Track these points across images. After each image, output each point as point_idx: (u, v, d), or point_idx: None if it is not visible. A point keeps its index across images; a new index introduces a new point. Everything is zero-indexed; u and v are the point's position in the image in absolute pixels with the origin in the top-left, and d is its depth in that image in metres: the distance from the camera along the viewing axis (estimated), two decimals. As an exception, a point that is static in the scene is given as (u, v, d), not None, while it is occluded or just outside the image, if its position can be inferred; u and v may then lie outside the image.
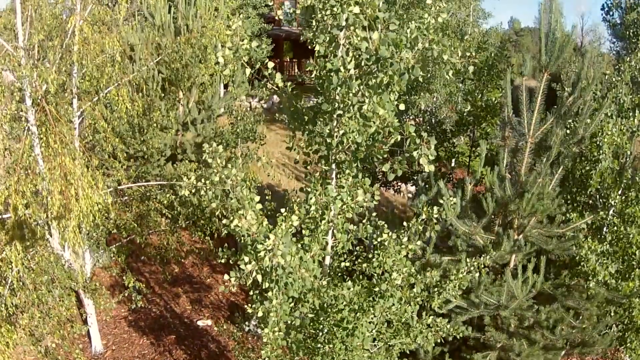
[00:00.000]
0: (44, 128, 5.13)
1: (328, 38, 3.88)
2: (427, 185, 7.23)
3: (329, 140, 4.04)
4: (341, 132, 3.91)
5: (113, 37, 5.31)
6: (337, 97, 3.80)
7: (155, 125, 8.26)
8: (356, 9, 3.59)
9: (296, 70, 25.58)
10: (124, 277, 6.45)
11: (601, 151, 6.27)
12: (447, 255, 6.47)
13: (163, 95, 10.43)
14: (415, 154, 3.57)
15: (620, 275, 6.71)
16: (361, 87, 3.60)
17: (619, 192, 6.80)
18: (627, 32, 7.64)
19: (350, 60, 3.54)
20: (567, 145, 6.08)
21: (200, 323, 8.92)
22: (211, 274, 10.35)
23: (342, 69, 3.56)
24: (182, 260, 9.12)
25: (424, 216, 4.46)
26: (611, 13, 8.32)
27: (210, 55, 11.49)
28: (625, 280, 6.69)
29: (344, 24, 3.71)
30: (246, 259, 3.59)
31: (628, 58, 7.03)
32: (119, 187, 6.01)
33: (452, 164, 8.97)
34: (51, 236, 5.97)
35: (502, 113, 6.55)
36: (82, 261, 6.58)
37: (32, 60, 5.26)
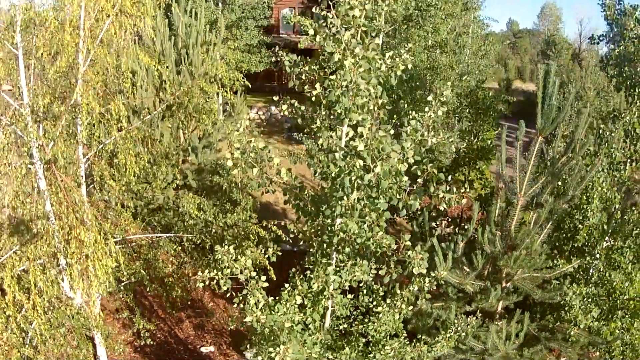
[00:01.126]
0: (54, 188, 5.42)
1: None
2: (422, 227, 7.55)
3: (330, 229, 4.36)
4: (341, 228, 4.23)
5: (118, 102, 5.56)
6: (338, 226, 4.10)
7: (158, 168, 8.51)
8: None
9: (294, 78, 25.74)
10: (134, 319, 6.78)
11: (589, 207, 6.59)
12: (439, 301, 6.83)
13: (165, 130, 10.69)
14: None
15: (603, 319, 7.09)
16: (361, 209, 3.91)
17: (606, 238, 7.14)
18: (625, 83, 7.91)
19: (352, 191, 3.84)
20: (557, 203, 6.40)
21: (203, 350, 9.29)
22: (212, 299, 10.69)
23: (345, 198, 3.86)
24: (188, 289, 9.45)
25: (416, 287, 4.80)
26: (610, 64, 8.57)
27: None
28: (608, 322, 7.07)
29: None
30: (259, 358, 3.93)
31: (623, 114, 7.31)
32: (127, 237, 6.31)
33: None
34: (62, 281, 6.28)
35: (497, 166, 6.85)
36: (92, 302, 6.89)
37: (38, 124, 5.50)
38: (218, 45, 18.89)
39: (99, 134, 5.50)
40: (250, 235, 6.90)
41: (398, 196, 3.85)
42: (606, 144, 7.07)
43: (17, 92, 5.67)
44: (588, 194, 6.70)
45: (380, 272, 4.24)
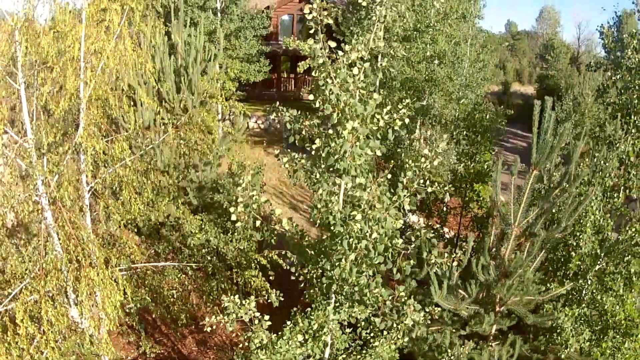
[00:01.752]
0: (60, 222, 5.62)
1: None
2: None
3: (329, 275, 4.56)
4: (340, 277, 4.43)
5: (122, 142, 5.74)
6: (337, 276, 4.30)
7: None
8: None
9: (293, 86, 25.87)
10: (140, 343, 6.99)
11: (582, 237, 6.78)
12: (434, 325, 7.04)
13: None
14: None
15: (595, 339, 7.29)
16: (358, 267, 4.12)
17: (599, 261, 7.33)
18: (621, 112, 8.08)
19: (351, 253, 4.03)
20: (550, 233, 6.60)
21: (205, 366, 9.52)
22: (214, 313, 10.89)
23: (343, 259, 4.06)
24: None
25: (410, 322, 5.00)
26: (607, 92, 8.73)
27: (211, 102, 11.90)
28: (599, 342, 7.28)
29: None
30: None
31: (617, 144, 7.49)
32: (133, 265, 6.49)
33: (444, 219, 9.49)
34: (70, 307, 6.48)
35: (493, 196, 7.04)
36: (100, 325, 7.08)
37: (43, 156, 5.68)
38: (218, 55, 19.07)
39: (103, 172, 5.67)
40: (252, 264, 7.09)
41: (391, 258, 4.05)
42: (600, 172, 7.26)
43: (20, 126, 5.86)
44: (581, 221, 6.89)
45: (376, 320, 4.45)
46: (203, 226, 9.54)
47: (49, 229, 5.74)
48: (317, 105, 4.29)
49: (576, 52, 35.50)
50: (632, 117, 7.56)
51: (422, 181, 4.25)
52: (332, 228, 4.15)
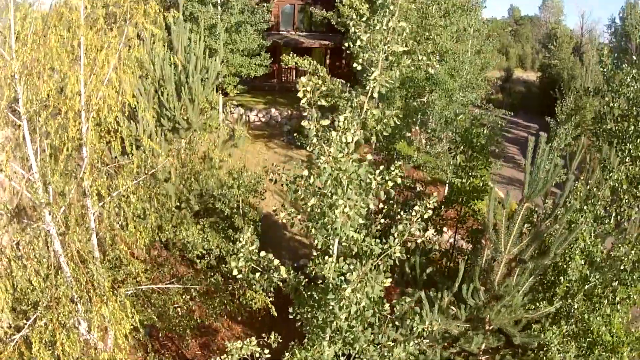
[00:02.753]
0: (69, 252, 5.89)
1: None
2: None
3: (323, 318, 4.83)
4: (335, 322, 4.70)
5: (125, 178, 5.94)
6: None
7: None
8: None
9: (294, 76, 25.70)
10: (147, 358, 7.36)
11: (570, 265, 7.00)
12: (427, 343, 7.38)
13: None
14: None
15: (582, 355, 7.61)
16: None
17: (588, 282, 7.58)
18: (617, 138, 8.18)
19: (342, 313, 4.28)
20: (539, 261, 6.84)
21: (208, 369, 9.95)
22: (217, 318, 11.28)
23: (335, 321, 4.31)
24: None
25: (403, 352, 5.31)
26: (604, 118, 8.78)
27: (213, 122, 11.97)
28: (586, 358, 7.60)
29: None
30: None
31: (610, 174, 7.62)
32: (139, 287, 6.79)
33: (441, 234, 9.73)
34: (79, 324, 6.82)
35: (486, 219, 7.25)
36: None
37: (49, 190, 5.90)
38: (220, 51, 18.98)
39: (110, 208, 5.89)
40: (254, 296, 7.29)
41: (378, 323, 4.32)
42: (592, 199, 7.43)
43: (25, 159, 6.04)
44: (571, 247, 7.10)
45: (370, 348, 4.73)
46: (205, 235, 9.82)
47: (59, 258, 6.02)
48: (312, 180, 4.46)
49: (579, 42, 35.03)
50: (627, 145, 7.67)
51: (416, 227, 4.46)
52: (326, 280, 4.40)
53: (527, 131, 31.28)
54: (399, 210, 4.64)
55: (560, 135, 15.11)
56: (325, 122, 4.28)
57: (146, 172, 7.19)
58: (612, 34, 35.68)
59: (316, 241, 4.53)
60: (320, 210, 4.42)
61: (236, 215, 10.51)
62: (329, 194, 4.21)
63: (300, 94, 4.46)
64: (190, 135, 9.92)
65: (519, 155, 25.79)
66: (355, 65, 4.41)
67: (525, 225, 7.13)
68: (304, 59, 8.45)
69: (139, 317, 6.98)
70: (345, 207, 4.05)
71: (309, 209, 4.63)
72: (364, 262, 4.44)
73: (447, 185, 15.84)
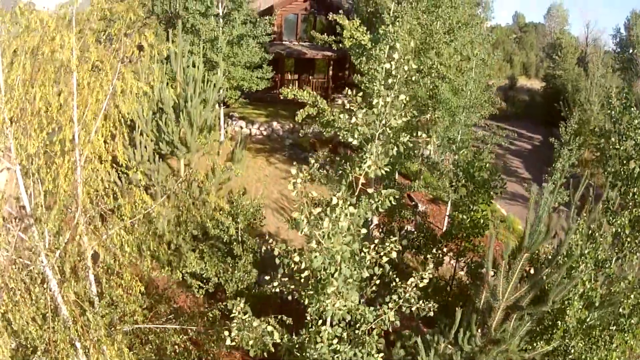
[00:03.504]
0: (66, 294, 5.87)
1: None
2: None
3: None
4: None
5: (120, 233, 5.91)
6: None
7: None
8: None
9: (297, 87, 25.63)
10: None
11: (568, 312, 6.91)
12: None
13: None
14: None
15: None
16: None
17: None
18: (623, 181, 8.03)
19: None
20: (537, 308, 6.74)
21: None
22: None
23: None
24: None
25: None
26: (610, 160, 8.61)
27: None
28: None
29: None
30: None
31: (612, 218, 7.50)
32: (136, 326, 6.76)
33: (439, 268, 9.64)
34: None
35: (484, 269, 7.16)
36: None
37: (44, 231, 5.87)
38: (221, 65, 18.89)
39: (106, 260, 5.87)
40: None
41: None
42: (593, 244, 7.32)
43: (19, 200, 6.02)
44: (570, 293, 7.01)
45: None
46: (204, 265, 9.78)
47: (56, 299, 6.00)
48: (303, 266, 4.38)
49: (584, 52, 34.76)
50: (633, 189, 7.52)
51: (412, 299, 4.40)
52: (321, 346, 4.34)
53: (531, 143, 31.11)
54: (394, 276, 4.54)
55: (563, 157, 14.99)
56: (317, 210, 4.19)
57: (141, 212, 7.14)
58: (617, 44, 35.38)
59: (310, 309, 4.47)
60: (313, 283, 4.36)
61: (235, 243, 10.46)
62: (322, 274, 4.14)
63: (290, 187, 4.37)
64: (187, 174, 9.82)
65: (522, 169, 25.64)
66: (351, 140, 4.33)
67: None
68: (304, 91, 8.35)
69: (137, 358, 6.96)
70: (338, 289, 3.99)
71: (302, 279, 4.57)
72: (357, 326, 4.37)
73: (448, 204, 15.75)
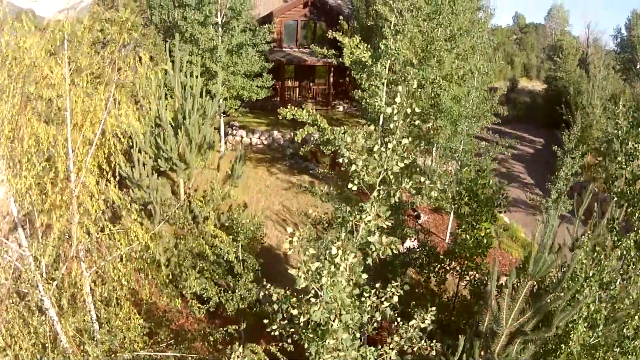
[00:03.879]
0: (64, 326, 5.80)
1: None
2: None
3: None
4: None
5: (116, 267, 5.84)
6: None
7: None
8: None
9: (298, 94, 25.54)
10: None
11: (572, 337, 6.80)
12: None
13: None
14: None
15: None
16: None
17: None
18: (628, 202, 7.87)
19: None
20: (541, 334, 6.63)
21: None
22: None
23: None
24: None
25: None
26: (616, 181, 8.43)
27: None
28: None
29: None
30: None
31: (618, 240, 7.37)
32: (136, 353, 6.70)
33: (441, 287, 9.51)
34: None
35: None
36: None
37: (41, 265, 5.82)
38: (220, 74, 18.79)
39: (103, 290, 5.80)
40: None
41: None
42: (598, 267, 7.19)
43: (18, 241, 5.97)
44: (574, 317, 6.89)
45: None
46: (204, 284, 9.69)
47: (54, 326, 5.95)
48: (302, 320, 4.27)
49: (585, 53, 34.54)
50: (638, 210, 7.37)
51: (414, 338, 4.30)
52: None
53: (533, 146, 30.92)
54: (396, 315, 4.42)
55: (567, 165, 14.85)
56: (315, 265, 4.07)
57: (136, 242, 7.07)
58: (617, 44, 35.17)
59: (309, 353, 4.36)
60: (312, 326, 4.26)
61: (235, 261, 10.35)
62: (322, 318, 4.04)
63: (285, 245, 4.25)
64: (185, 200, 9.73)
65: (524, 174, 25.48)
66: (350, 186, 4.21)
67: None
68: (304, 110, 8.24)
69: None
70: (338, 341, 3.88)
71: (301, 323, 4.47)
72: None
73: (451, 214, 15.61)
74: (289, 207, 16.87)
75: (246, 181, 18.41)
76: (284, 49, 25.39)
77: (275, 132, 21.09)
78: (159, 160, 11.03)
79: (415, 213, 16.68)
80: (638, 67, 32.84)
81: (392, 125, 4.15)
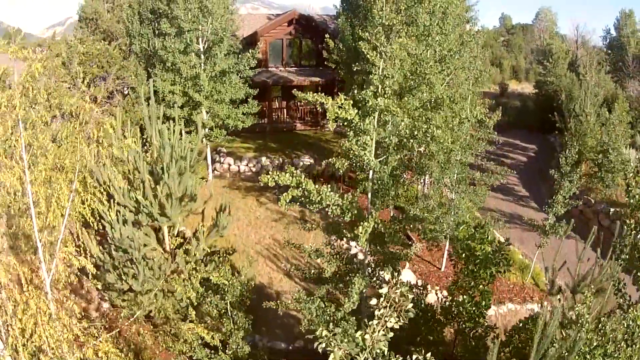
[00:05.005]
0: None
1: None
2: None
3: None
4: None
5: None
6: None
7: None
8: None
9: (285, 114, 24.96)
10: None
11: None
12: None
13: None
14: None
15: None
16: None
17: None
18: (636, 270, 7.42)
19: None
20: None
21: None
22: None
23: None
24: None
25: None
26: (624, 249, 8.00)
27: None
28: None
29: None
30: None
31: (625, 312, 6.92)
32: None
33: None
34: None
35: None
36: None
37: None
38: (204, 104, 18.15)
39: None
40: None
41: None
42: (602, 338, 6.71)
43: None
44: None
45: None
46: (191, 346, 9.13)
47: None
48: None
49: (575, 55, 34.27)
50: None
51: None
52: None
53: (526, 154, 30.58)
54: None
55: (564, 189, 14.42)
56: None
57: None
58: (607, 45, 35.00)
59: None
60: None
61: (225, 318, 9.76)
62: None
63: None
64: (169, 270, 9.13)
65: (518, 185, 25.04)
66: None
67: None
68: (286, 173, 7.71)
69: None
70: None
71: None
72: None
73: (447, 242, 15.11)
74: (280, 240, 16.25)
75: (235, 213, 17.76)
76: (270, 69, 24.80)
77: (264, 159, 20.48)
78: (140, 214, 10.39)
79: (411, 242, 16.16)
80: (629, 67, 32.64)
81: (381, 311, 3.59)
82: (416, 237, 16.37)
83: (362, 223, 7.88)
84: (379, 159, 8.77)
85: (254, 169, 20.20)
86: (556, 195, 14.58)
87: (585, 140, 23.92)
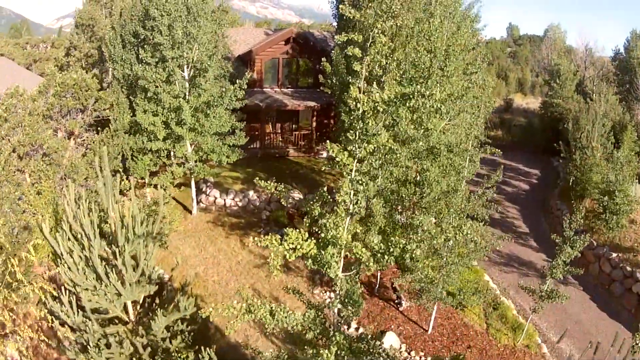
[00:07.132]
0: None
1: None
2: None
3: None
4: None
5: None
6: None
7: None
8: None
9: (279, 139, 23.87)
10: None
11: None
12: None
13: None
14: None
15: None
16: None
17: None
18: None
19: None
20: None
21: None
22: None
23: None
24: None
25: None
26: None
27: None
28: None
29: None
30: None
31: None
32: None
33: None
34: None
35: None
36: None
37: None
38: (186, 138, 17.11)
39: None
40: None
41: None
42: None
43: None
44: None
45: None
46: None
47: None
48: None
49: (583, 76, 32.88)
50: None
51: None
52: None
53: (529, 181, 29.48)
54: None
55: (565, 254, 13.44)
56: None
57: None
58: (616, 67, 33.57)
59: None
60: None
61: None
62: None
63: None
64: None
65: (519, 219, 23.97)
66: None
67: None
68: (271, 240, 6.94)
69: None
70: None
71: None
72: None
73: (435, 302, 14.21)
74: (260, 290, 15.37)
75: (217, 255, 16.85)
76: (264, 90, 23.68)
77: (251, 193, 19.49)
78: (97, 296, 9.48)
79: (397, 300, 15.26)
80: (638, 89, 31.29)
81: None
82: (404, 295, 15.46)
83: (328, 345, 7.03)
84: (345, 274, 7.78)
85: (240, 204, 19.23)
86: (555, 259, 13.62)
87: (590, 175, 22.84)
